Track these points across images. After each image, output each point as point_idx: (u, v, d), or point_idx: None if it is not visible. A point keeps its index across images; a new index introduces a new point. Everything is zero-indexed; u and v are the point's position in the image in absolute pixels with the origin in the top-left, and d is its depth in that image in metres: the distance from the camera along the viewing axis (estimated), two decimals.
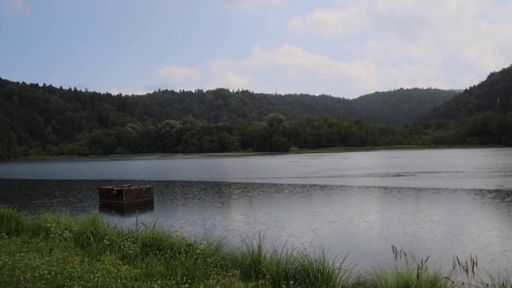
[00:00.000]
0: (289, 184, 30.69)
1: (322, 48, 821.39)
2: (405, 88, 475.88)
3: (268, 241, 10.29)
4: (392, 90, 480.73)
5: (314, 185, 29.79)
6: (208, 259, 8.07)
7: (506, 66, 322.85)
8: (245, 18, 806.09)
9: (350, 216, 16.43)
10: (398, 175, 36.46)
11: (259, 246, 8.22)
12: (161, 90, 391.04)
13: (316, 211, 17.96)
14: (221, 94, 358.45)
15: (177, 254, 8.45)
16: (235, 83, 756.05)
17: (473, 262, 9.10)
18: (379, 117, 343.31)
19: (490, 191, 23.15)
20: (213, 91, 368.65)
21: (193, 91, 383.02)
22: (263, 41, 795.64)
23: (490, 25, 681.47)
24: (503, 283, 6.65)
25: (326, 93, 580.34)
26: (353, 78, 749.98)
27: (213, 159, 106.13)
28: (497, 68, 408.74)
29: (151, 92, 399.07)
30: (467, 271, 8.72)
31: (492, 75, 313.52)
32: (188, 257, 7.94)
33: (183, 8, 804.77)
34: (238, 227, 14.64)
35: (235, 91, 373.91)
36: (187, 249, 8.67)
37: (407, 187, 26.67)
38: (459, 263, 9.07)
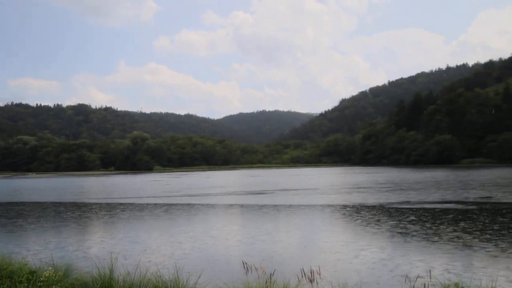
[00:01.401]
0: (150, 204, 29.99)
1: (188, 68, 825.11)
2: (267, 110, 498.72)
3: (123, 264, 9.88)
4: (255, 112, 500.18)
5: (175, 204, 29.50)
6: (53, 286, 7.46)
7: (354, 93, 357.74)
8: (111, 33, 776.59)
9: (210, 235, 16.55)
10: (259, 193, 37.81)
11: (111, 270, 7.84)
12: (13, 103, 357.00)
13: (175, 231, 17.77)
14: (82, 110, 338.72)
15: (17, 283, 7.67)
16: (98, 99, 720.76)
17: (318, 272, 9.74)
18: (242, 137, 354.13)
19: (339, 206, 25.14)
20: (74, 106, 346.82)
21: (51, 105, 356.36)
22: (129, 57, 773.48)
23: (342, 56, 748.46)
24: None
25: (192, 112, 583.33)
26: (218, 98, 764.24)
27: (71, 178, 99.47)
28: (347, 95, 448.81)
29: (1, 104, 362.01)
30: (311, 281, 9.28)
31: (343, 101, 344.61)
32: (30, 286, 7.25)
33: (42, 18, 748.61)
34: (92, 250, 13.82)
35: (97, 107, 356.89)
36: (30, 277, 7.91)
37: (266, 204, 27.73)
38: (304, 274, 9.61)
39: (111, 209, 27.00)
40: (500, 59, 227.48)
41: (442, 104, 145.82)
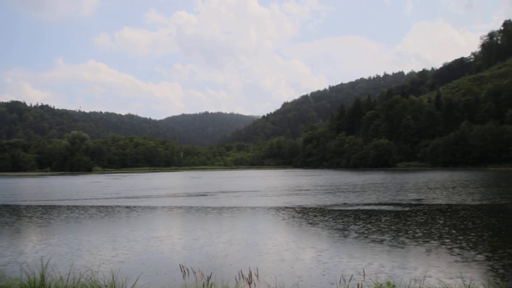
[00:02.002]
0: (88, 206, 29.02)
1: (129, 67, 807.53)
2: (210, 112, 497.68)
3: (56, 269, 9.48)
4: (198, 113, 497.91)
5: (115, 206, 28.73)
6: None
7: (296, 97, 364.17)
8: (48, 28, 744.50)
9: (150, 238, 16.25)
10: (201, 195, 37.57)
11: (42, 275, 7.50)
12: None
13: (114, 234, 17.30)
14: (16, 108, 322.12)
15: None
16: (34, 97, 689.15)
17: (256, 274, 9.81)
18: (185, 139, 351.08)
19: (280, 208, 25.44)
20: (7, 103, 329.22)
21: None
22: (67, 54, 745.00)
23: (284, 60, 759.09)
24: None
25: (133, 112, 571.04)
26: (160, 99, 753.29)
27: (4, 179, 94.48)
28: (289, 99, 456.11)
29: None
30: (249, 283, 9.33)
31: (285, 104, 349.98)
32: None
33: None
34: (24, 256, 13.17)
35: (33, 105, 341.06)
36: None
37: (208, 206, 27.60)
38: (242, 276, 9.65)
39: (47, 212, 25.90)
40: (433, 68, 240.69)
41: (380, 109, 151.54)
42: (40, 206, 29.86)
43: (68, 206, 29.50)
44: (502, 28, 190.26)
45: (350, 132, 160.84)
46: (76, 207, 28.64)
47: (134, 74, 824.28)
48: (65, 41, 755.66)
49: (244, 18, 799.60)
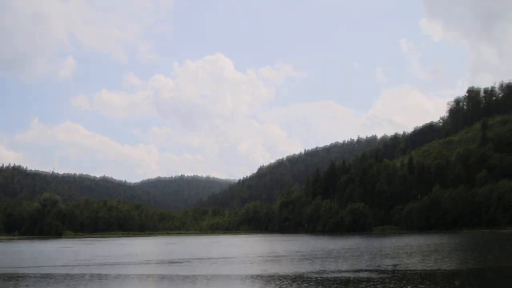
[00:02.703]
0: (56, 274, 27.97)
1: (106, 129, 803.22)
2: (186, 175, 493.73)
3: None
4: (173, 176, 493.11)
5: (85, 274, 27.78)
6: None
7: (272, 161, 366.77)
8: (25, 89, 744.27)
9: None
10: (175, 262, 36.71)
11: None
12: None
13: None
14: None
15: None
16: (6, 158, 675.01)
17: None
18: (160, 202, 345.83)
19: (256, 276, 25.03)
20: None
21: None
22: (43, 114, 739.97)
23: (259, 124, 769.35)
24: None
25: (108, 175, 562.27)
26: (136, 161, 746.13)
27: None
28: (265, 162, 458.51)
29: None
30: None
31: (261, 169, 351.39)
32: None
33: None
34: None
35: (5, 166, 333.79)
36: None
37: (183, 275, 26.98)
38: None
39: (10, 280, 24.87)
40: (404, 132, 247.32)
41: (355, 173, 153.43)
42: (5, 274, 28.59)
43: (35, 274, 28.35)
44: (466, 94, 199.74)
45: (326, 196, 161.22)
46: (44, 275, 27.55)
47: (111, 136, 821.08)
48: (42, 102, 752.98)
49: (221, 83, 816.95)
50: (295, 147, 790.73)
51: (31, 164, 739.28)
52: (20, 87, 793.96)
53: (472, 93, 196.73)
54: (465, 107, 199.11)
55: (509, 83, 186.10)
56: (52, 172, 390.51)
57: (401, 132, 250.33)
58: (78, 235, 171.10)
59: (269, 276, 25.40)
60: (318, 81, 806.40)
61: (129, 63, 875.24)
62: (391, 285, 20.18)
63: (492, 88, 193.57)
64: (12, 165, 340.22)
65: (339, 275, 24.96)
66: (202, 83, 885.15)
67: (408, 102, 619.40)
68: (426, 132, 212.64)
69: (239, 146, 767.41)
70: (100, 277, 26.47)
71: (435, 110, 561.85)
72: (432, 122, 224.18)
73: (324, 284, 21.30)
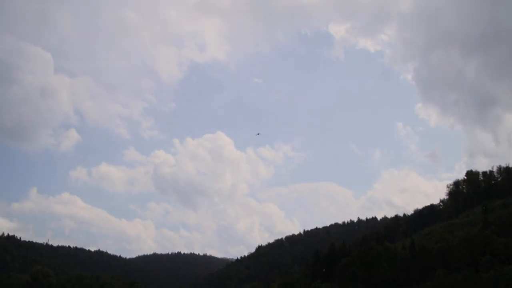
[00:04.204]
0: None
1: (104, 202, 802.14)
2: (182, 252, 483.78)
3: None
4: (170, 253, 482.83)
5: None
6: None
7: (271, 240, 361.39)
8: (27, 158, 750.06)
9: None
10: None
11: None
12: None
13: None
14: None
15: None
16: (0, 226, 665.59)
17: None
18: (156, 280, 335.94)
19: None
20: None
21: None
22: (42, 185, 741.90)
23: (258, 203, 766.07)
24: None
25: (103, 249, 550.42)
26: (132, 236, 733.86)
27: None
28: (263, 242, 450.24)
29: None
30: None
31: (259, 248, 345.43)
32: None
33: None
34: None
35: None
36: None
37: None
38: None
39: None
40: (405, 214, 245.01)
41: (356, 256, 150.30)
42: None
43: None
44: (465, 177, 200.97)
45: (326, 279, 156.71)
46: None
47: (108, 210, 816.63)
48: (42, 173, 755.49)
49: (220, 161, 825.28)
50: (294, 227, 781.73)
51: (25, 234, 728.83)
52: (22, 157, 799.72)
53: (471, 176, 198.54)
54: (464, 190, 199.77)
55: (507, 166, 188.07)
56: (46, 243, 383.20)
57: (401, 214, 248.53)
58: None
59: None
60: (317, 162, 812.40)
61: (131, 138, 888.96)
62: None
63: (491, 172, 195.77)
64: (5, 234, 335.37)
65: None
66: (202, 161, 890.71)
67: (407, 184, 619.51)
68: (427, 214, 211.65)
69: (237, 225, 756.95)
70: None
71: (434, 193, 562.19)
72: (432, 204, 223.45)
73: None
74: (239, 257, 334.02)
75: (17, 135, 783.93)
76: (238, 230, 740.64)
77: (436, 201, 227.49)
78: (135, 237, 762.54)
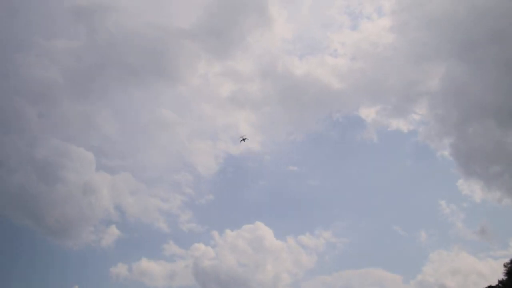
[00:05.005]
0: None
1: None
2: None
3: None
4: None
5: None
6: None
7: None
8: (68, 256, 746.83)
9: None
10: None
11: None
12: None
13: None
14: None
15: None
16: None
17: None
18: None
19: None
20: None
21: None
22: (81, 282, 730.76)
23: None
24: None
25: None
26: None
27: None
28: None
29: None
30: None
31: None
32: None
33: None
34: None
35: None
36: None
37: None
38: None
39: None
40: None
41: None
42: None
43: None
44: None
45: None
46: None
47: None
48: (82, 270, 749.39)
49: (261, 252, 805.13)
50: None
51: None
52: (63, 254, 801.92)
53: None
54: None
55: None
56: None
57: None
58: None
59: None
60: (361, 247, 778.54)
61: (170, 232, 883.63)
62: None
63: None
64: None
65: None
66: (242, 252, 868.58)
67: (458, 265, 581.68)
68: None
69: None
70: None
71: (490, 273, 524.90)
72: (490, 286, 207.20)
73: None
74: None
75: (60, 233, 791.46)
76: None
77: (494, 282, 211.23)
78: None
